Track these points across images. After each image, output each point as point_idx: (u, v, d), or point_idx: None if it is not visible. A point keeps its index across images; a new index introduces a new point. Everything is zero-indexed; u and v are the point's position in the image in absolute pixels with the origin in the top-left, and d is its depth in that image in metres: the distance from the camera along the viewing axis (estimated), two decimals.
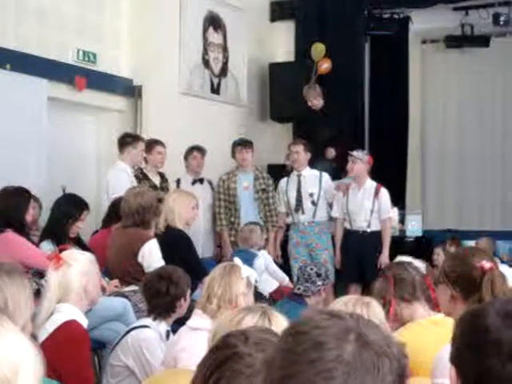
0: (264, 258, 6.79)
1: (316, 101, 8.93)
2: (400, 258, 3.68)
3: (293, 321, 1.21)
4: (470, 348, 1.48)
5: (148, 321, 4.18)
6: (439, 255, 7.56)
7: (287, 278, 6.96)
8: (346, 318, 1.17)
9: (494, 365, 1.42)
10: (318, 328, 1.14)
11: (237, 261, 3.60)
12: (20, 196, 5.20)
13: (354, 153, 7.55)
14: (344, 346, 1.11)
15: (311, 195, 7.66)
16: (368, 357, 1.10)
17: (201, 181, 7.70)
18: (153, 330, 4.07)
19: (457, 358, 1.52)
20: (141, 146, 6.99)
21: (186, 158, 7.68)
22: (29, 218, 5.24)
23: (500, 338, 1.44)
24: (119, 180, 6.73)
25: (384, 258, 7.35)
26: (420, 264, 3.65)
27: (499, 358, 1.42)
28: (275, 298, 6.18)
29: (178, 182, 7.61)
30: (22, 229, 5.12)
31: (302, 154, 7.68)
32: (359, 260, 7.42)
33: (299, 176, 7.73)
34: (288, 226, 7.92)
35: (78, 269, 3.50)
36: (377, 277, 3.44)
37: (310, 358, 1.11)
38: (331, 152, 8.79)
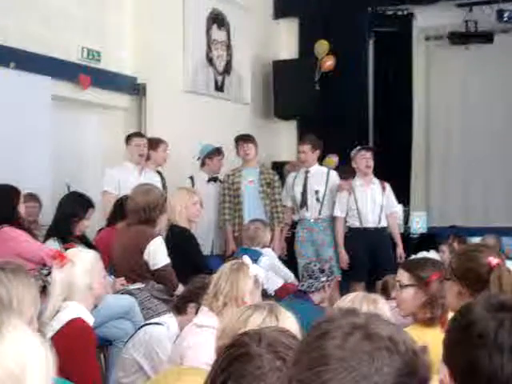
0: (269, 257, 6.77)
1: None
2: (422, 254, 3.61)
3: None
4: (457, 344, 1.48)
5: (162, 319, 4.20)
6: (445, 252, 7.53)
7: (292, 276, 6.94)
8: (359, 314, 1.22)
9: (481, 357, 1.40)
10: (328, 321, 1.20)
11: (245, 259, 3.59)
12: (7, 190, 5.19)
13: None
14: (347, 337, 1.16)
15: (317, 192, 7.66)
16: (366, 347, 1.14)
17: (215, 179, 7.76)
18: (166, 328, 4.09)
19: (447, 356, 1.51)
20: (134, 142, 7.00)
21: (210, 158, 7.73)
22: (22, 210, 5.23)
23: (485, 329, 1.43)
24: (108, 175, 6.89)
25: (401, 251, 7.45)
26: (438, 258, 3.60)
27: (486, 350, 1.41)
28: (280, 296, 6.17)
29: (192, 179, 7.63)
30: (18, 222, 5.12)
31: (309, 153, 7.68)
32: (372, 257, 7.42)
33: (307, 172, 7.73)
34: (294, 223, 7.92)
35: (82, 267, 3.50)
36: (394, 271, 3.41)
37: (313, 345, 1.17)
38: (334, 161, 8.81)
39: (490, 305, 1.49)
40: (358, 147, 7.67)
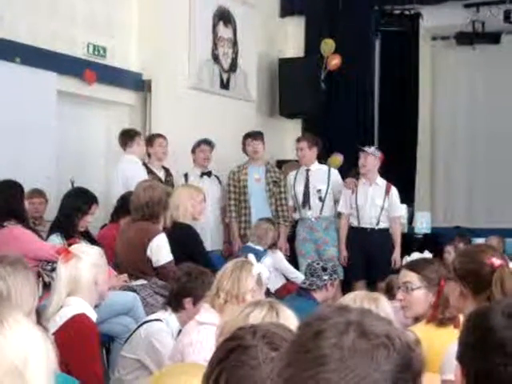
0: (273, 257, 6.72)
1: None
2: (416, 255, 3.59)
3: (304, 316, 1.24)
4: (474, 347, 1.49)
5: (161, 315, 4.20)
6: (450, 254, 7.50)
7: (300, 276, 6.58)
8: (351, 311, 1.19)
9: (496, 365, 1.42)
10: (321, 319, 1.17)
11: (250, 257, 3.58)
12: (11, 187, 5.18)
13: (366, 148, 7.53)
14: (342, 336, 1.13)
15: (319, 191, 7.64)
16: (363, 345, 1.12)
17: (209, 174, 7.71)
18: (165, 325, 4.09)
19: (462, 356, 1.53)
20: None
21: (193, 151, 7.69)
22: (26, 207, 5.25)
23: (504, 338, 1.44)
24: (136, 171, 6.75)
25: (397, 256, 7.32)
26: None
27: (502, 359, 1.42)
28: (281, 296, 6.12)
29: (186, 176, 7.61)
30: (25, 221, 5.12)
31: (306, 150, 7.65)
32: (367, 257, 7.40)
33: (307, 171, 7.71)
34: (295, 222, 7.90)
35: (88, 262, 3.50)
36: (387, 274, 3.39)
37: (308, 346, 1.14)
38: (339, 160, 8.73)
39: (510, 312, 1.49)
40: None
